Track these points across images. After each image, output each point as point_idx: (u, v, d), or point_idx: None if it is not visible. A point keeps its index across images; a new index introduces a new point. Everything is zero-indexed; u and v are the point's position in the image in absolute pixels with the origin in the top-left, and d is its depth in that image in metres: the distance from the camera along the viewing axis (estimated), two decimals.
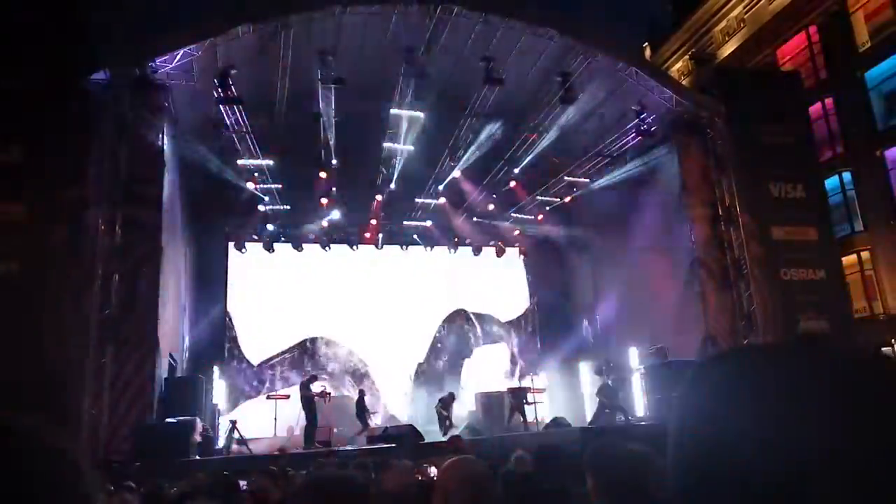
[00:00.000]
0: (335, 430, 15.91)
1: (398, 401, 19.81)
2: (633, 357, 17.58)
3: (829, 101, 20.77)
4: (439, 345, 21.13)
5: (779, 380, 0.60)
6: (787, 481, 0.55)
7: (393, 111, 15.05)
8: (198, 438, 12.04)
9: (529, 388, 17.32)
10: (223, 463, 10.89)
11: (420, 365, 20.60)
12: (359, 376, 19.83)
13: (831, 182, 19.46)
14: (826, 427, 0.55)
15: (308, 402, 14.65)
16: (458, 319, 21.66)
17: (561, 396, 20.07)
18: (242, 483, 5.46)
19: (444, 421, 16.51)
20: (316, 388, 15.07)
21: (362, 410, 16.27)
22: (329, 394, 15.84)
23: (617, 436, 12.38)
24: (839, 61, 20.70)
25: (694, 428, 0.62)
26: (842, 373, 0.60)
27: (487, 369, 21.00)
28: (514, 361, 21.69)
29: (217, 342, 18.56)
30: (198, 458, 11.30)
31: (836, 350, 0.63)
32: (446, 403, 16.91)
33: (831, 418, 0.56)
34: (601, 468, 2.10)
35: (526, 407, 16.40)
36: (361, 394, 16.93)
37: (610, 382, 15.66)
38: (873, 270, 19.44)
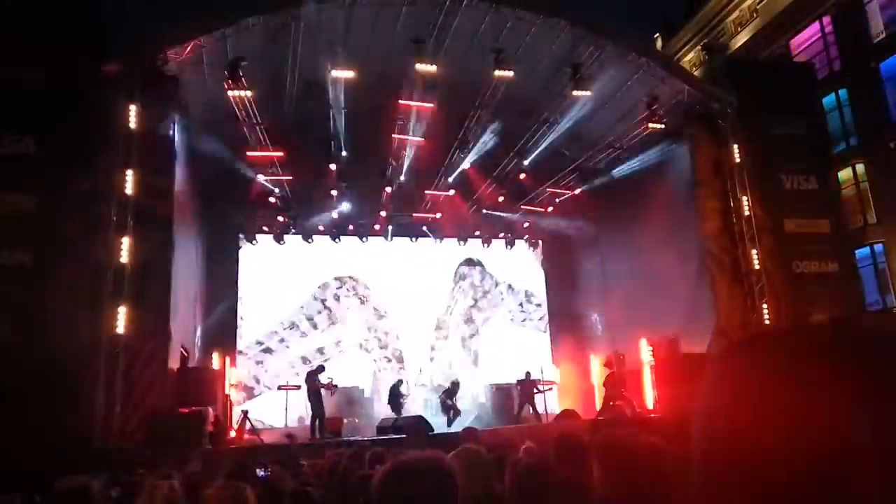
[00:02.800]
0: (345, 420, 15.99)
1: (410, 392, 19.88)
2: (643, 349, 17.52)
3: (842, 92, 20.54)
4: (448, 336, 21.18)
5: (814, 364, 0.57)
6: (822, 471, 0.53)
7: (402, 102, 15.02)
8: (209, 428, 12.15)
9: (539, 380, 17.31)
10: (235, 452, 10.99)
11: (430, 355, 20.66)
12: (364, 367, 19.92)
13: (845, 174, 19.29)
14: (865, 413, 0.53)
15: (314, 392, 14.72)
16: (468, 311, 21.70)
17: (571, 388, 20.08)
18: (259, 472, 5.51)
19: (449, 411, 16.49)
20: (322, 378, 15.14)
21: (397, 398, 16.32)
22: (335, 385, 15.91)
23: (626, 427, 12.39)
24: (853, 52, 20.45)
25: (723, 416, 0.60)
26: (881, 355, 0.57)
27: (497, 361, 21.02)
28: (523, 353, 21.70)
29: (229, 333, 18.69)
30: (209, 447, 11.40)
31: (871, 330, 0.60)
32: (451, 393, 16.89)
33: (870, 404, 0.53)
34: (610, 458, 2.11)
35: (536, 399, 16.42)
36: (398, 383, 17.03)
37: (614, 373, 15.67)
38: (886, 263, 19.28)
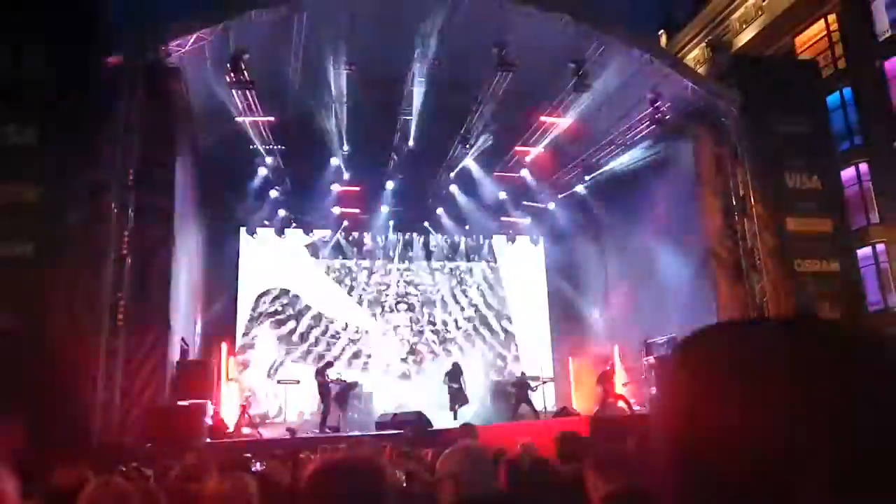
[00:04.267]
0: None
1: (406, 386, 19.86)
2: (643, 347, 17.50)
3: (847, 90, 20.46)
4: (449, 331, 21.17)
5: (769, 360, 0.56)
6: (775, 475, 0.51)
7: (405, 97, 14.98)
8: (209, 421, 12.17)
9: (536, 377, 17.30)
10: (233, 446, 11.01)
11: (430, 350, 20.66)
12: (363, 362, 19.95)
13: (848, 173, 19.22)
14: (822, 415, 0.51)
15: (323, 388, 14.70)
16: (469, 307, 21.69)
17: (570, 385, 20.09)
18: (255, 466, 5.51)
19: (456, 395, 16.18)
20: (331, 374, 15.14)
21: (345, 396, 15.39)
22: (344, 381, 15.93)
23: (621, 426, 12.37)
24: (858, 50, 20.36)
25: (676, 415, 0.58)
26: (845, 354, 0.55)
27: (498, 357, 21.03)
28: (523, 349, 21.69)
29: (229, 326, 18.71)
30: (208, 440, 11.42)
31: (839, 329, 0.58)
32: (454, 375, 16.62)
33: (828, 405, 0.52)
34: (602, 456, 2.10)
35: (531, 396, 16.40)
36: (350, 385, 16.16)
37: (609, 370, 15.66)
38: (888, 263, 19.23)
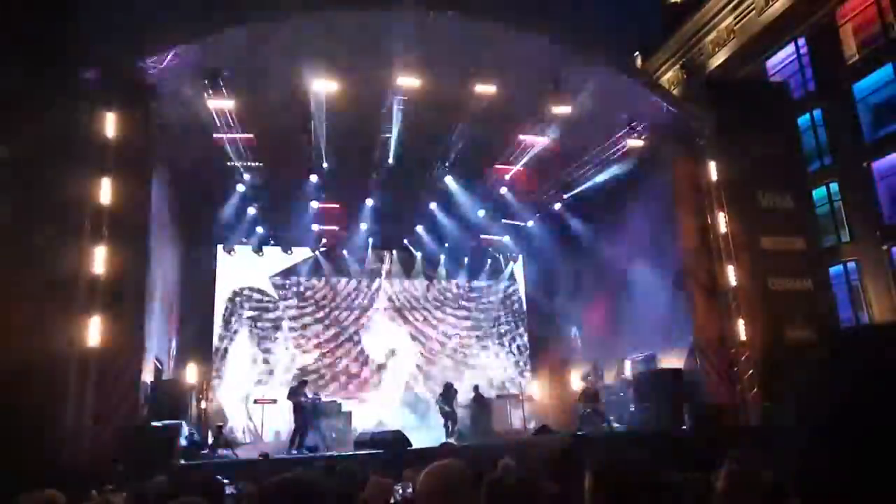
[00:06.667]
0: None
1: (390, 407, 19.71)
2: (622, 363, 17.58)
3: (817, 112, 20.94)
4: (430, 349, 21.09)
5: None
6: None
7: (384, 114, 15.00)
8: (183, 442, 11.94)
9: (506, 394, 17.40)
10: (208, 467, 10.81)
11: (412, 370, 20.55)
12: (342, 380, 19.77)
13: (819, 193, 19.61)
14: None
15: (298, 407, 14.52)
16: (446, 324, 21.65)
17: (548, 402, 20.08)
18: (229, 489, 5.41)
19: (448, 417, 16.08)
20: (307, 393, 14.97)
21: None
22: (320, 400, 15.74)
23: (609, 442, 12.38)
24: (827, 73, 20.88)
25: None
26: None
27: (477, 375, 20.96)
28: (500, 365, 21.67)
29: (204, 345, 18.44)
30: (183, 461, 11.19)
31: None
32: (448, 398, 16.52)
33: None
34: (602, 471, 2.09)
35: (493, 412, 16.43)
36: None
37: (590, 386, 15.71)
38: (859, 281, 19.58)
